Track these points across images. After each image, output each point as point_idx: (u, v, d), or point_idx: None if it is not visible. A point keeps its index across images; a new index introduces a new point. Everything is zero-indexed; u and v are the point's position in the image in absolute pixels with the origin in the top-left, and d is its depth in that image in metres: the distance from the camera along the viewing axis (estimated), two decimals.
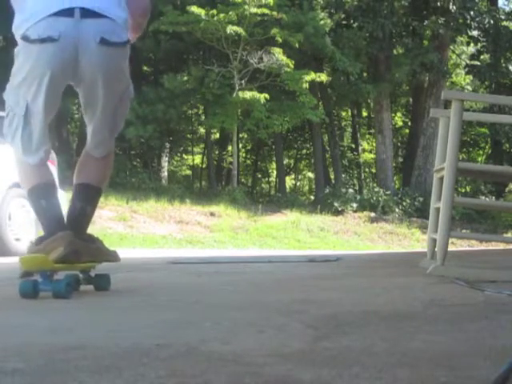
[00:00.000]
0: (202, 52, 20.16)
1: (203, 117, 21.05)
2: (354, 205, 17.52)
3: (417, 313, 1.96)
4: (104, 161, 2.73)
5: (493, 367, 1.21)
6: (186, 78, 17.36)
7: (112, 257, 2.63)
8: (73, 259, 2.44)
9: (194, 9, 16.49)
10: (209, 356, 1.32)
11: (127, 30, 2.58)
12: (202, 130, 23.14)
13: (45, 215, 2.59)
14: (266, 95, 16.44)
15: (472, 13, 19.31)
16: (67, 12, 2.43)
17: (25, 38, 2.45)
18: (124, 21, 2.55)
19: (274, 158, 24.12)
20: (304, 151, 26.54)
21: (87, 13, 2.44)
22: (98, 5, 2.47)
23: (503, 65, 20.55)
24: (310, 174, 26.38)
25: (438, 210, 3.41)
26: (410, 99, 24.00)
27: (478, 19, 19.60)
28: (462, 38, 21.49)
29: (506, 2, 30.45)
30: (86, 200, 2.65)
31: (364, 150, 25.47)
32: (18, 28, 2.50)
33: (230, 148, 22.11)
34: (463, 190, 21.11)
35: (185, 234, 13.18)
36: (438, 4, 19.58)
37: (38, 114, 2.54)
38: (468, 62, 22.63)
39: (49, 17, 2.42)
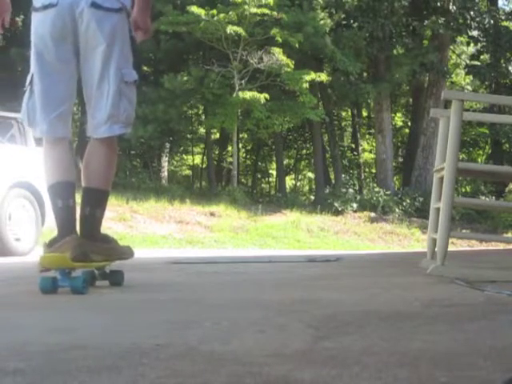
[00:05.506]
0: (201, 52, 20.13)
1: (203, 117, 21.02)
2: (354, 205, 17.51)
3: (417, 313, 1.96)
4: (106, 154, 2.72)
5: (493, 367, 1.21)
6: (185, 78, 17.34)
7: (126, 255, 2.83)
8: (81, 261, 2.54)
9: (194, 9, 16.47)
10: (209, 356, 1.32)
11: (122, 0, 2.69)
12: (201, 130, 23.12)
13: (58, 216, 2.67)
14: (266, 95, 16.42)
15: (472, 13, 19.29)
16: None
17: (33, 9, 2.68)
18: None
19: (274, 158, 24.11)
20: (304, 151, 26.51)
21: None
22: None
23: (503, 65, 20.53)
24: (310, 174, 26.35)
25: (437, 210, 3.41)
26: (410, 99, 23.99)
27: (478, 19, 19.59)
28: (462, 38, 21.47)
29: (505, 2, 30.44)
30: (94, 204, 2.74)
31: (364, 150, 25.45)
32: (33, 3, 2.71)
33: (229, 148, 22.10)
34: (463, 190, 21.10)
35: (185, 234, 13.18)
36: (438, 4, 19.55)
37: (37, 81, 2.66)
38: (468, 62, 22.62)
39: None
